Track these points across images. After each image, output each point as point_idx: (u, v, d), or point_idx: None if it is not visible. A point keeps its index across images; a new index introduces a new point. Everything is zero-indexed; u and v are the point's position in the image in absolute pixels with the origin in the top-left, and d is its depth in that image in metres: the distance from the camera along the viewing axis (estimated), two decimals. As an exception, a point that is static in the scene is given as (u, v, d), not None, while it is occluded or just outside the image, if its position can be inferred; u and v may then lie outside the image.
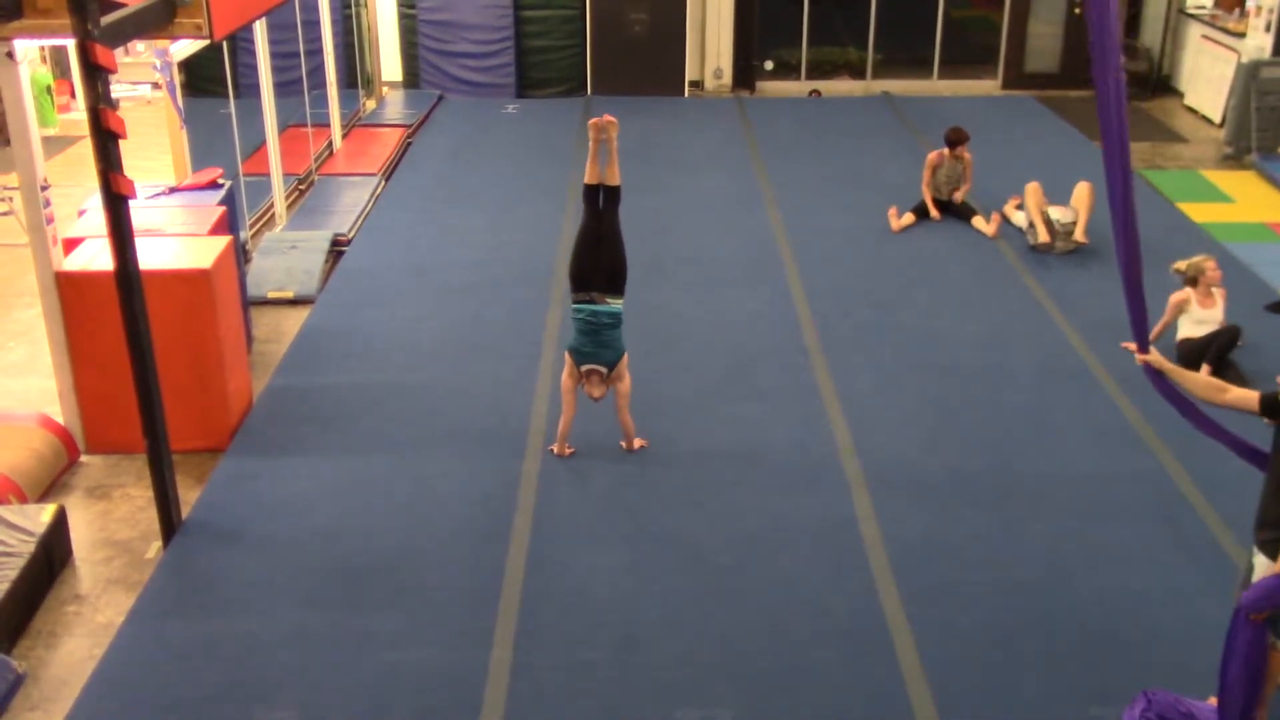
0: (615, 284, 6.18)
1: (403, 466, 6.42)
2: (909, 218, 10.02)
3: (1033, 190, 9.54)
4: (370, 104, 14.46)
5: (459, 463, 6.45)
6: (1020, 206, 9.83)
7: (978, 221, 9.92)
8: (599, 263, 6.15)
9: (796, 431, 6.79)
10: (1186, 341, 7.43)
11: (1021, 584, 5.45)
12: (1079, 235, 9.25)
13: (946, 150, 10.08)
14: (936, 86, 15.85)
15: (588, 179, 6.25)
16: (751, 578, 5.50)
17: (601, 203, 6.23)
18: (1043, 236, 9.24)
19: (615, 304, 6.17)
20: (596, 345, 6.15)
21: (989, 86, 15.84)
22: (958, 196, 10.14)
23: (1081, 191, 9.48)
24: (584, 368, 6.19)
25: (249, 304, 8.15)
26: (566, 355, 6.26)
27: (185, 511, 5.96)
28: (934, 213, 10.04)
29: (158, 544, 5.82)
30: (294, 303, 8.78)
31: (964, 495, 6.17)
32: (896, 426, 6.85)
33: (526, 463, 6.43)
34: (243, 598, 5.35)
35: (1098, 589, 5.42)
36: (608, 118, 6.23)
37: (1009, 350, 7.83)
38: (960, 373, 7.50)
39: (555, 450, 6.49)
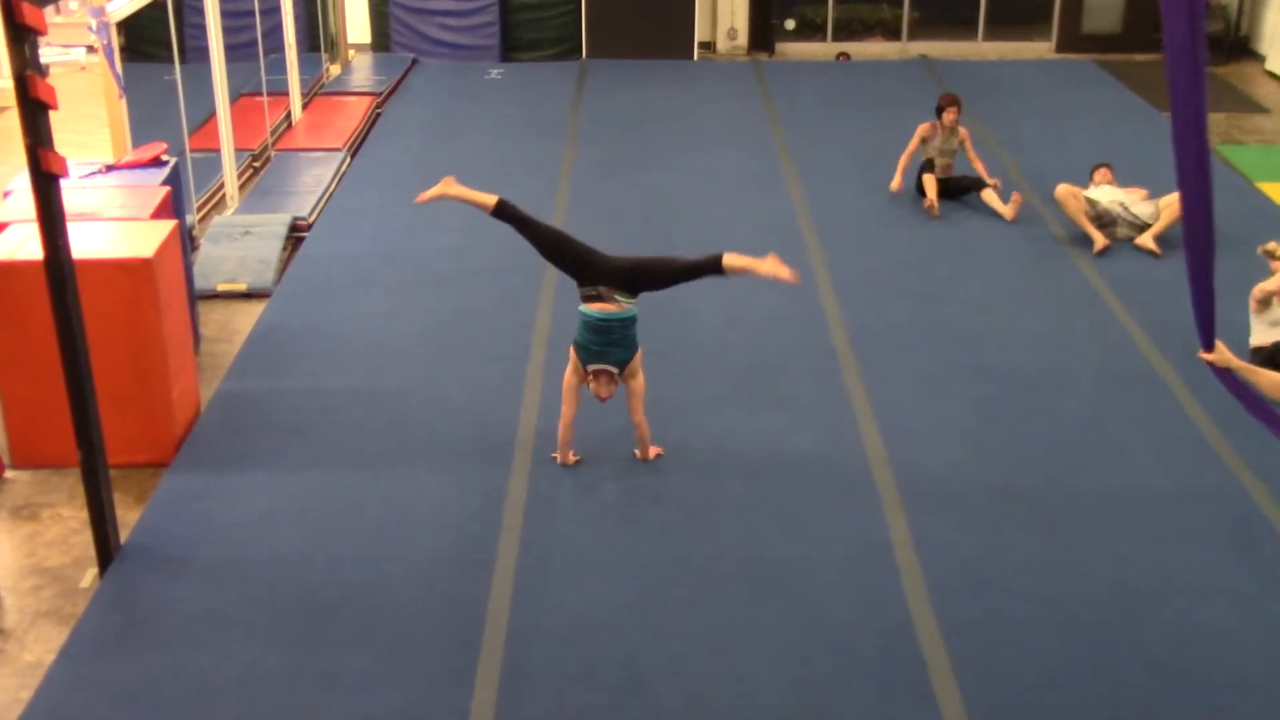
0: (626, 288, 6.17)
1: (372, 484, 6.43)
2: (931, 188, 9.94)
3: (1067, 195, 9.41)
4: (334, 69, 14.48)
5: (437, 479, 6.46)
6: (1104, 181, 9.72)
7: (989, 196, 9.91)
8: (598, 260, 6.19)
9: (823, 443, 6.80)
10: (1261, 350, 7.34)
11: (1080, 618, 5.46)
12: (1150, 243, 9.13)
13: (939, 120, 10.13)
14: (981, 49, 15.86)
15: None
16: (771, 610, 5.50)
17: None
18: (1098, 244, 9.18)
19: (629, 306, 6.16)
20: (606, 344, 6.15)
21: (1042, 49, 15.86)
22: (984, 174, 10.16)
23: (1177, 201, 9.18)
24: (591, 367, 6.19)
25: (196, 298, 8.17)
26: (571, 351, 6.26)
27: (124, 535, 5.97)
28: (928, 197, 9.95)
29: (93, 571, 5.83)
30: (248, 296, 8.80)
31: (1014, 516, 6.17)
32: (937, 438, 6.86)
33: (513, 479, 6.44)
34: (190, 633, 5.36)
35: (1169, 624, 5.42)
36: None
37: (1066, 351, 7.84)
38: (1010, 377, 7.50)
39: (558, 458, 6.50)
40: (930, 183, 9.98)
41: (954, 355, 7.76)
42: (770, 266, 6.09)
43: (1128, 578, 5.72)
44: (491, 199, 6.27)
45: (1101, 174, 9.84)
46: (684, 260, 6.28)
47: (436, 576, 5.72)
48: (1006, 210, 9.78)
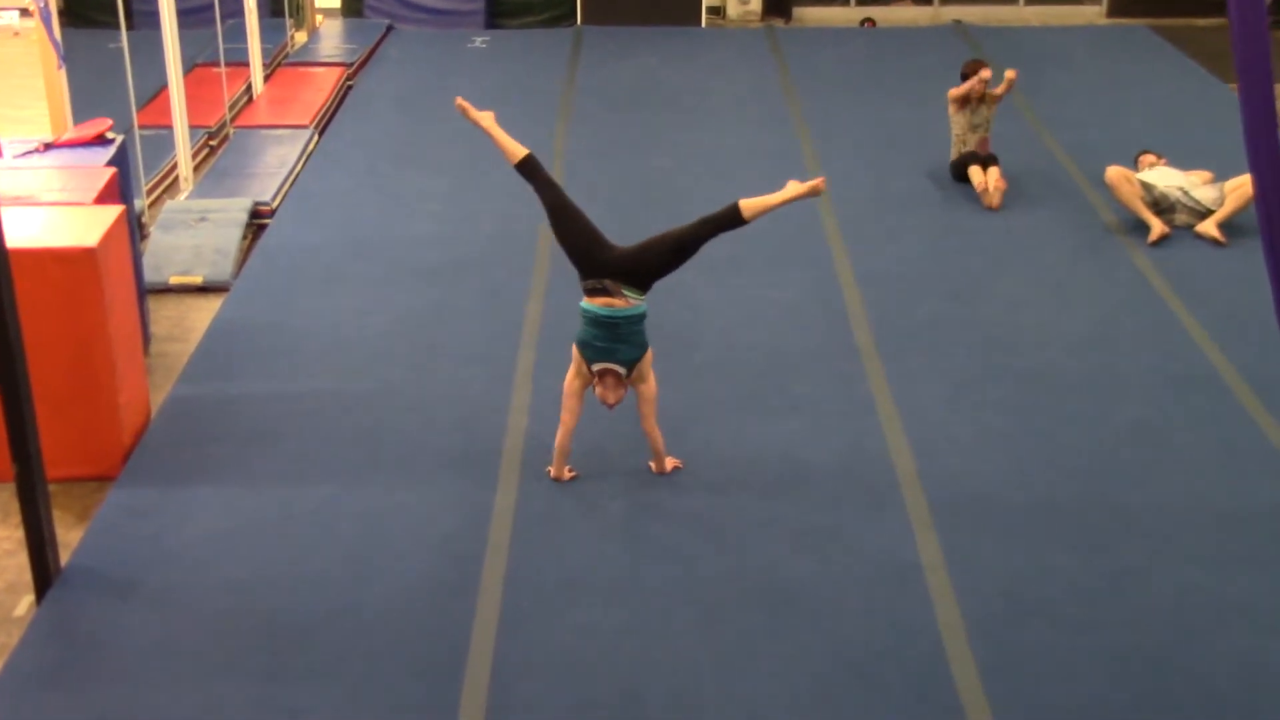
0: (636, 278, 6.18)
1: (343, 499, 6.45)
2: (979, 175, 9.93)
3: (1120, 178, 9.40)
4: (300, 37, 14.51)
5: (415, 493, 6.48)
6: (1154, 165, 9.72)
7: (992, 175, 9.91)
8: (608, 248, 6.19)
9: (845, 454, 6.81)
10: None
11: (1133, 649, 5.47)
12: (1213, 230, 9.12)
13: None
14: (1023, 14, 15.88)
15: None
16: (787, 638, 5.52)
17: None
18: (1155, 232, 9.17)
19: (638, 302, 6.17)
20: (612, 340, 6.15)
21: (1091, 14, 15.88)
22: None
23: (1245, 184, 9.10)
24: (596, 367, 6.21)
25: (146, 292, 8.18)
26: (574, 350, 6.27)
27: (65, 556, 5.98)
28: (979, 184, 9.94)
29: (30, 598, 5.84)
30: (203, 290, 8.82)
31: (1058, 535, 6.18)
32: (972, 448, 6.87)
33: (500, 493, 6.45)
34: (138, 666, 5.37)
35: (1231, 656, 5.43)
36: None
37: (1117, 351, 7.85)
38: (1054, 380, 7.52)
39: (552, 473, 6.52)
40: (976, 171, 9.95)
41: (991, 356, 7.77)
42: (791, 192, 6.21)
43: (1186, 605, 5.73)
44: (522, 150, 6.37)
45: (1147, 159, 9.80)
46: (693, 222, 6.21)
47: (415, 601, 5.72)
48: (993, 195, 9.81)
